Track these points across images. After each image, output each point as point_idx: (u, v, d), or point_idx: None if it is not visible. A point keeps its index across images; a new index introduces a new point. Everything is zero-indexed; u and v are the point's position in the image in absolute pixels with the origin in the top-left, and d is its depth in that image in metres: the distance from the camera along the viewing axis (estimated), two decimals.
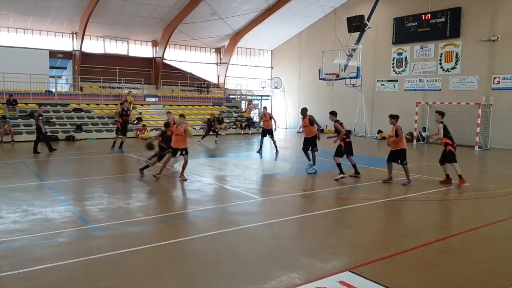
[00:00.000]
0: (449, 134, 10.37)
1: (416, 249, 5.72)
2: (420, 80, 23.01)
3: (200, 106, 28.53)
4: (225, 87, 32.06)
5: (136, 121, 23.53)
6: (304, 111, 12.24)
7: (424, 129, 21.96)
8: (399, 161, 10.17)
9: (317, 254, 5.51)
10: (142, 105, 26.09)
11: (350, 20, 23.96)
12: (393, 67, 24.27)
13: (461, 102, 20.12)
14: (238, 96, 31.71)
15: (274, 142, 16.52)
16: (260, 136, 16.73)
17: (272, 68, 33.97)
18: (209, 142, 19.53)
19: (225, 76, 31.98)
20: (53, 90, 24.31)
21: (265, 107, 18.50)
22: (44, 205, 7.70)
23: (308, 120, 11.89)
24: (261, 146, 16.36)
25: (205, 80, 31.37)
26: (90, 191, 9.32)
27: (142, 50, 29.06)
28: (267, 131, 16.44)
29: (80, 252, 5.50)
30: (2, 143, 18.43)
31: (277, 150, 16.25)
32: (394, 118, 10.20)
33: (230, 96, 31.69)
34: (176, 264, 5.13)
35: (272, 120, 16.80)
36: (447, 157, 10.22)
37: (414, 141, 21.56)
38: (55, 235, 6.07)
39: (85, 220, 6.92)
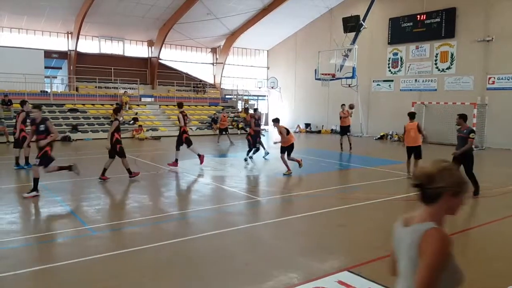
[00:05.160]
0: (180, 122, 12.34)
1: None
2: (415, 80, 23.09)
3: (196, 106, 28.49)
4: (221, 87, 32.05)
5: (132, 121, 23.47)
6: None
7: None
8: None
9: (315, 254, 5.52)
10: (138, 105, 26.01)
11: (345, 20, 24.00)
12: (388, 67, 24.34)
13: (456, 102, 20.21)
14: (235, 96, 31.68)
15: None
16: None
17: (268, 68, 33.98)
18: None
19: (221, 76, 31.97)
20: (48, 90, 24.19)
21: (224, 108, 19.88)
22: (40, 206, 7.66)
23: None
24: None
25: (201, 80, 31.33)
26: (87, 191, 9.27)
27: (137, 50, 28.99)
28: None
29: (77, 253, 5.47)
30: None
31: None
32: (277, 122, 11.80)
33: (227, 96, 31.67)
34: (174, 265, 5.12)
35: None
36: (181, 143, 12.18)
37: None
38: (52, 236, 6.04)
39: (82, 220, 6.88)
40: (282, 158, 11.40)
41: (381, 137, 23.43)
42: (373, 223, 7.30)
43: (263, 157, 14.38)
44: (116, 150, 10.20)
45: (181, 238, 6.09)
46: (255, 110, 14.80)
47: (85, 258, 5.23)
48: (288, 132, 11.56)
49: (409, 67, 23.35)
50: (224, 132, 20.26)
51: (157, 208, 8.16)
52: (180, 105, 12.99)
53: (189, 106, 28.20)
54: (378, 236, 6.46)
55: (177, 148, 12.22)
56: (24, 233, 6.20)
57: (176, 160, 12.15)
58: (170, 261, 5.23)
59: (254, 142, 14.03)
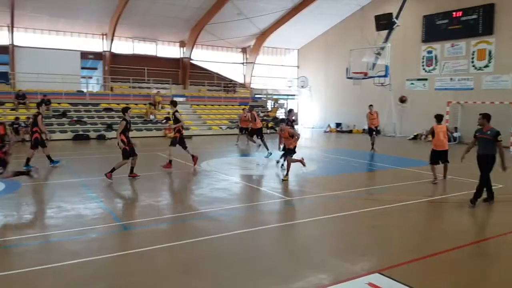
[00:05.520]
0: (180, 121, 11.58)
1: (448, 252, 5.58)
2: (451, 79, 22.40)
3: (226, 105, 28.70)
4: (251, 86, 32.15)
5: (164, 120, 23.90)
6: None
7: (456, 129, 21.38)
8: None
9: (345, 255, 5.46)
10: (170, 105, 26.44)
11: (378, 18, 23.57)
12: (422, 66, 23.74)
13: (494, 102, 19.49)
14: (264, 96, 31.72)
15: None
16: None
17: (298, 67, 33.82)
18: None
19: (251, 75, 32.07)
20: (85, 90, 24.99)
21: (250, 107, 17.84)
22: (76, 202, 7.92)
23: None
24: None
25: (231, 80, 31.54)
26: (120, 188, 9.52)
27: (169, 50, 29.48)
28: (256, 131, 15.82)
29: (110, 248, 5.63)
30: None
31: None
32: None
33: (256, 96, 31.74)
34: (204, 262, 5.18)
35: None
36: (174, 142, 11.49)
37: None
38: (87, 231, 6.23)
39: (115, 217, 7.07)
40: (289, 160, 10.53)
41: (415, 137, 22.86)
42: (406, 225, 7.14)
43: (265, 156, 14.14)
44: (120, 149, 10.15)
45: (211, 235, 6.15)
46: (290, 110, 13.63)
47: (118, 254, 5.37)
48: (293, 135, 10.64)
49: (444, 65, 22.69)
50: (243, 132, 18.52)
51: (188, 205, 8.28)
52: (174, 104, 12.09)
53: (219, 105, 28.45)
54: (410, 239, 6.32)
55: (184, 149, 11.82)
56: (61, 228, 6.43)
57: (170, 162, 11.62)
58: (201, 259, 5.29)
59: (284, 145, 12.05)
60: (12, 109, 21.30)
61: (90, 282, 4.55)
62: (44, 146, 12.05)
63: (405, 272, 4.86)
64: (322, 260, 5.25)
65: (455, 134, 21.31)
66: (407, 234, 6.60)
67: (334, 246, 5.88)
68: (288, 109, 13.45)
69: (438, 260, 5.33)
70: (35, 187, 9.48)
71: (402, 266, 5.04)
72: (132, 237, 6.22)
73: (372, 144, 16.19)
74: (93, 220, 6.83)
